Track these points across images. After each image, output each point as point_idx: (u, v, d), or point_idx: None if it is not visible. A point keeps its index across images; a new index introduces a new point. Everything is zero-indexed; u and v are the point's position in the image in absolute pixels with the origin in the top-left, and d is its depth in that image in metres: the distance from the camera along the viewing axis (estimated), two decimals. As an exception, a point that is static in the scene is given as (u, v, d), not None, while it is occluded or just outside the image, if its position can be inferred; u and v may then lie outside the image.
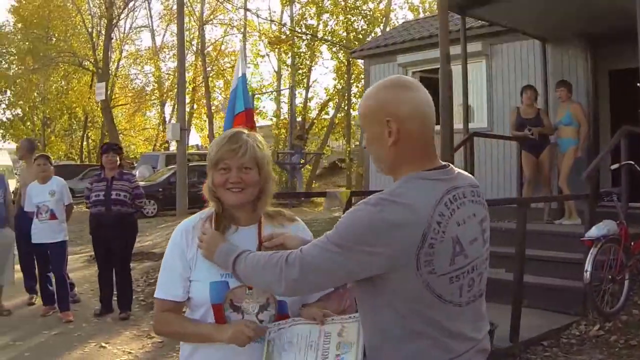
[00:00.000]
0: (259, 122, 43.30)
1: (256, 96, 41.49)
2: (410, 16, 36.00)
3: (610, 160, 10.58)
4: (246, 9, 38.96)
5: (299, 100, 39.14)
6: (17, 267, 10.60)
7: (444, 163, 2.58)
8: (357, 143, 34.26)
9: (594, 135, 12.13)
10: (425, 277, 2.37)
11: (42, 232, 9.67)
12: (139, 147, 50.37)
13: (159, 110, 50.58)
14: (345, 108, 36.18)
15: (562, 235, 9.88)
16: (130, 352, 8.11)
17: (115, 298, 10.09)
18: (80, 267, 13.76)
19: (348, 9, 34.98)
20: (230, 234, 2.94)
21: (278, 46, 36.61)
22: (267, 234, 2.96)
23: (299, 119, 37.54)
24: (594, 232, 8.07)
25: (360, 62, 34.69)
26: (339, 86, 36.89)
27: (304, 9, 36.32)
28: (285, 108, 39.80)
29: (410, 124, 2.48)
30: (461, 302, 2.49)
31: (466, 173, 2.66)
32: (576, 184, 10.65)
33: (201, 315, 2.88)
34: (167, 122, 46.32)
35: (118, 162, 9.66)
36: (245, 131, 2.99)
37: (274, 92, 40.27)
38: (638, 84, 11.88)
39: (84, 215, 11.74)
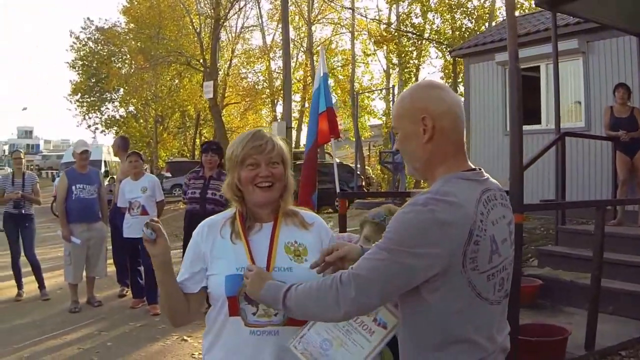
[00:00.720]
0: (370, 121, 43.43)
1: (365, 94, 41.63)
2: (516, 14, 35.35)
3: None
4: (353, 9, 39.02)
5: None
6: (110, 260, 11.01)
7: (474, 166, 2.63)
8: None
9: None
10: (469, 274, 2.42)
11: (133, 227, 10.00)
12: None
13: (270, 108, 51.16)
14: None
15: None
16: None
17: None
18: (177, 262, 14.08)
19: (452, 7, 34.67)
20: (255, 232, 3.04)
21: (384, 45, 36.55)
22: (286, 234, 3.04)
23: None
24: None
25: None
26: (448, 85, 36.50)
27: (409, 7, 36.16)
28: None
29: (444, 122, 2.55)
30: (493, 301, 2.54)
31: (492, 179, 2.69)
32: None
33: (219, 308, 2.97)
34: (278, 121, 46.85)
35: (218, 162, 9.83)
36: (265, 130, 3.08)
37: (382, 91, 40.19)
38: None
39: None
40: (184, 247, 10.26)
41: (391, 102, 37.41)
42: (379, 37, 36.73)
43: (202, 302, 3.11)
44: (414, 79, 38.20)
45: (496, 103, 16.81)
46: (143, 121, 50.67)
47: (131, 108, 51.40)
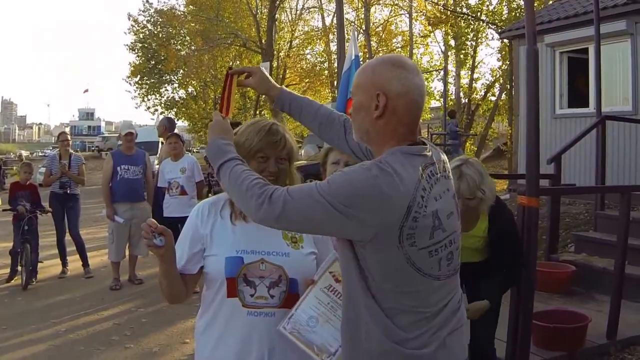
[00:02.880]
0: (431, 103, 43.20)
1: (424, 75, 41.44)
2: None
3: None
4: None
5: (465, 82, 38.85)
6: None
7: (421, 139, 2.69)
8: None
9: None
10: (407, 250, 2.47)
11: (173, 207, 10.26)
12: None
13: (330, 88, 51.20)
14: (509, 90, 35.50)
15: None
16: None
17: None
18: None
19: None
20: None
21: (438, 27, 36.35)
22: None
23: (465, 100, 37.27)
24: None
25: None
26: (504, 67, 36.20)
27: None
28: (452, 89, 39.45)
29: (398, 103, 2.59)
30: (440, 276, 2.60)
31: (436, 148, 2.75)
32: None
33: (217, 289, 3.06)
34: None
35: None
36: (278, 123, 3.19)
37: (441, 72, 39.94)
38: None
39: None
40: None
41: (449, 85, 37.30)
42: (434, 19, 36.47)
43: (197, 281, 3.18)
44: (471, 60, 37.93)
45: (545, 86, 16.57)
46: (202, 102, 51.13)
47: (190, 89, 51.83)
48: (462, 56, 37.29)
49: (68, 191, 11.19)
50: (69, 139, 12.00)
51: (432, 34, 40.73)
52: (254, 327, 2.99)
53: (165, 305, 9.28)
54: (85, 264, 11.40)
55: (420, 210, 2.47)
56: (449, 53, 39.78)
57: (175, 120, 43.58)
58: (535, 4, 31.35)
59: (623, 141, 13.32)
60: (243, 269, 2.99)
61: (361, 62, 9.94)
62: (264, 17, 39.42)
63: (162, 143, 18.09)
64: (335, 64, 44.77)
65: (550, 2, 26.34)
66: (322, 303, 2.91)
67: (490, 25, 34.88)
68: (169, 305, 9.18)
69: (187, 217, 8.88)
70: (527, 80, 7.06)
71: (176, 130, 11.45)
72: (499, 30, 24.00)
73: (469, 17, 35.05)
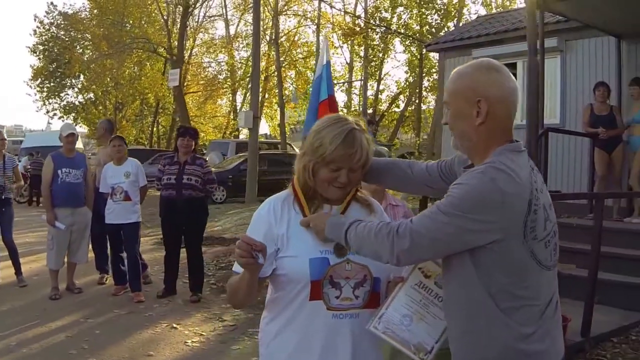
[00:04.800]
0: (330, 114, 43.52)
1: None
2: (483, 12, 35.96)
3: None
4: (320, 0, 38.96)
5: (370, 93, 39.21)
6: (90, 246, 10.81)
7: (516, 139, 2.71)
8: (425, 137, 34.23)
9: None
10: (530, 244, 2.50)
11: (116, 213, 9.88)
12: (208, 134, 50.77)
13: (230, 98, 51.02)
14: (416, 101, 36.06)
15: (633, 232, 9.72)
16: (201, 334, 8.21)
17: (186, 281, 10.31)
18: (151, 249, 13.99)
19: (422, 3, 34.92)
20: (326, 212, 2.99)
21: (352, 38, 36.59)
22: (354, 216, 2.91)
23: (370, 110, 37.59)
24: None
25: (432, 56, 34.73)
26: (410, 79, 36.78)
27: (378, 2, 36.36)
28: (356, 100, 39.80)
29: (499, 108, 2.60)
30: (550, 266, 2.63)
31: None
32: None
33: (297, 291, 2.88)
34: (238, 111, 46.84)
35: (193, 147, 9.79)
36: (357, 128, 2.90)
37: (346, 84, 40.19)
38: None
39: (154, 199, 11.90)
40: (164, 234, 10.17)
41: (357, 96, 37.58)
42: (347, 30, 36.72)
43: (263, 284, 3.00)
44: (378, 72, 38.33)
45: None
46: (102, 108, 50.15)
47: (91, 95, 50.73)
48: (370, 68, 37.62)
49: (2, 196, 10.61)
50: (5, 138, 11.38)
51: (337, 48, 40.95)
52: (338, 329, 2.87)
53: (115, 315, 9.01)
54: (18, 272, 10.81)
55: (537, 203, 2.53)
56: (354, 65, 40.12)
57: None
58: (459, 19, 32.20)
59: (556, 153, 13.58)
60: (329, 270, 2.85)
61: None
62: (172, 23, 38.99)
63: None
64: (239, 73, 44.74)
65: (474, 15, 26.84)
66: (414, 301, 2.82)
67: (407, 37, 35.34)
68: (118, 314, 8.98)
69: (131, 223, 8.64)
70: (527, 92, 7.12)
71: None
72: (426, 43, 24.28)
73: (385, 30, 35.41)
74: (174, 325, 8.50)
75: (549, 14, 14.33)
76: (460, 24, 34.97)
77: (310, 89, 10.87)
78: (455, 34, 19.41)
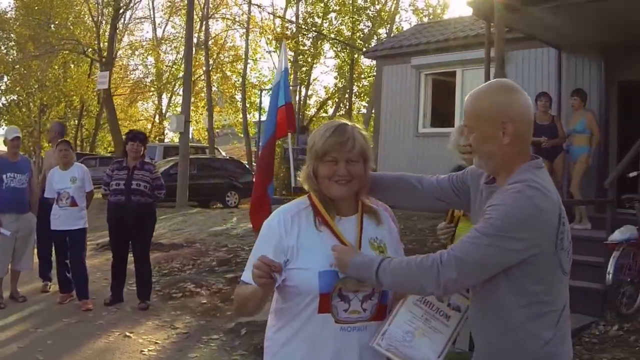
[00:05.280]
0: (257, 117, 43.28)
1: (254, 91, 41.50)
2: (414, 19, 36.41)
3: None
4: (250, 4, 38.84)
5: (298, 98, 39.23)
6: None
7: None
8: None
9: (603, 144, 12.27)
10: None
11: (62, 219, 9.67)
12: (133, 138, 50.05)
13: (156, 102, 50.50)
14: (347, 106, 36.24)
15: (579, 238, 9.90)
16: (156, 342, 8.11)
17: (131, 288, 10.16)
18: (89, 255, 13.69)
19: (356, 9, 35.15)
20: (337, 223, 2.97)
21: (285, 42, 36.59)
22: (368, 229, 2.99)
23: (300, 115, 37.61)
24: (617, 236, 8.34)
25: (362, 61, 34.98)
26: (339, 85, 36.95)
27: (311, 7, 36.40)
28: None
29: (522, 125, 2.76)
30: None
31: None
32: (586, 189, 11.21)
33: (305, 304, 2.88)
34: (164, 114, 46.45)
35: (142, 152, 9.68)
36: (349, 122, 2.99)
37: (268, 90, 40.02)
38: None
39: (94, 203, 11.66)
40: (112, 240, 10.00)
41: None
42: (279, 35, 36.71)
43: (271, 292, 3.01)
44: (307, 78, 38.36)
45: (408, 105, 17.14)
46: (26, 110, 49.01)
47: (14, 96, 49.54)
48: (300, 73, 37.64)
49: None
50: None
51: (269, 52, 40.86)
52: (346, 342, 2.88)
53: (64, 324, 8.83)
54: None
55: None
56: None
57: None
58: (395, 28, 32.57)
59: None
60: (339, 284, 2.84)
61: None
62: (104, 24, 38.48)
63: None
64: (166, 76, 44.34)
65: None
66: (416, 316, 2.85)
67: (341, 43, 35.46)
68: (68, 323, 8.84)
69: (77, 229, 8.47)
70: None
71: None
72: (365, 50, 24.45)
73: (318, 34, 35.46)
74: (127, 334, 8.37)
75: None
76: (393, 31, 35.49)
77: (270, 95, 10.90)
78: (395, 41, 19.63)
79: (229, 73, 43.45)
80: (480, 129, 2.79)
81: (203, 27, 38.67)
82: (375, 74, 35.36)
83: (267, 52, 41.11)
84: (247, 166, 31.85)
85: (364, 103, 38.95)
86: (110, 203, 9.69)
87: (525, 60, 14.65)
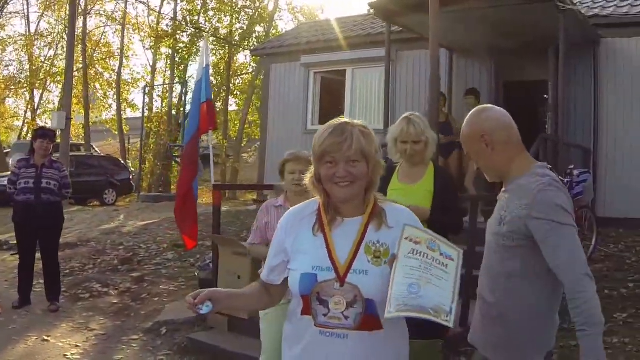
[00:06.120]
0: (127, 114, 42.70)
1: (126, 88, 40.87)
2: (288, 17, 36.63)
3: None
4: (127, 1, 38.30)
5: (173, 95, 38.87)
6: None
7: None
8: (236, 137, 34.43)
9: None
10: None
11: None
12: (1, 134, 48.45)
13: (27, 98, 48.89)
14: (222, 104, 36.11)
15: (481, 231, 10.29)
16: (77, 346, 8.00)
17: (39, 289, 9.93)
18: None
19: (236, 8, 35.14)
20: (336, 226, 2.97)
21: (165, 40, 36.09)
22: (370, 233, 2.95)
23: (174, 112, 37.24)
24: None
25: (238, 58, 34.99)
26: (215, 82, 36.76)
27: (190, 5, 36.12)
28: (159, 102, 39.26)
29: (499, 134, 3.41)
30: None
31: None
32: (480, 185, 11.49)
33: (297, 304, 3.01)
34: (36, 111, 45.17)
35: (50, 150, 9.49)
36: (349, 121, 2.94)
37: (166, 86, 39.39)
38: (546, 96, 12.71)
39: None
40: (19, 241, 9.72)
41: (160, 98, 37.08)
42: (161, 32, 36.26)
43: (284, 291, 3.17)
44: (184, 75, 38.07)
45: (297, 103, 17.33)
46: None
47: None
48: (179, 72, 37.34)
49: None
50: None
51: (148, 49, 40.24)
52: (324, 347, 2.90)
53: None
54: None
55: None
56: (158, 67, 39.65)
57: None
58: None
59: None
60: (316, 287, 2.89)
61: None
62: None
63: None
64: (41, 72, 43.09)
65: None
66: (414, 268, 2.74)
67: (221, 41, 35.29)
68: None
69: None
70: (430, 101, 7.62)
71: None
72: (251, 48, 24.46)
73: (202, 32, 35.18)
74: (45, 338, 8.21)
75: (379, 25, 15.10)
76: (272, 30, 35.68)
77: (192, 92, 10.95)
78: (283, 39, 19.75)
79: (101, 70, 42.56)
80: (472, 150, 3.50)
81: (81, 23, 37.74)
82: (252, 71, 35.83)
83: (146, 49, 40.46)
84: (124, 163, 31.48)
85: (238, 100, 38.96)
86: (19, 202, 9.45)
87: (415, 60, 15.11)
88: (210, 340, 7.93)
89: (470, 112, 3.54)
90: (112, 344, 8.09)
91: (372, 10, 13.10)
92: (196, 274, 10.02)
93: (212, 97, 10.14)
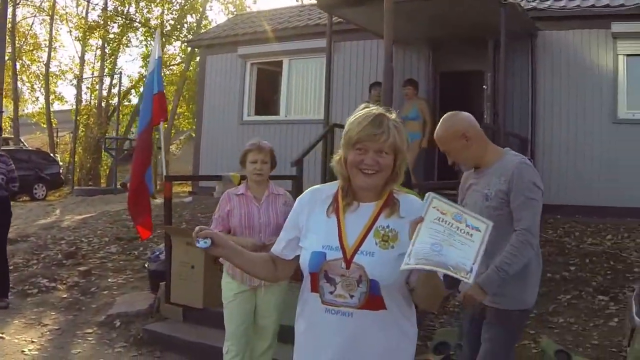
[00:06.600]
0: (55, 106, 41.99)
1: (53, 80, 40.20)
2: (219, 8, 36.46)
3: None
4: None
5: (102, 86, 38.39)
6: None
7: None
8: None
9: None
10: None
11: None
12: None
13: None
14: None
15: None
16: (33, 341, 8.00)
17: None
18: None
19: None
20: (351, 210, 3.05)
21: (96, 31, 35.58)
22: (382, 218, 3.01)
23: (103, 104, 36.80)
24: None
25: (168, 49, 34.76)
26: (146, 73, 36.38)
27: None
28: (88, 94, 38.66)
29: (472, 131, 4.49)
30: None
31: None
32: (419, 173, 12.17)
33: (306, 281, 3.09)
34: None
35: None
36: (385, 113, 2.99)
37: (96, 78, 38.80)
38: (484, 87, 13.02)
39: None
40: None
41: (89, 89, 36.56)
42: (93, 23, 35.75)
43: (294, 266, 3.24)
44: (112, 67, 37.62)
45: (234, 94, 17.40)
46: None
47: None
48: (109, 64, 36.91)
49: None
50: None
51: (78, 40, 39.56)
52: (330, 324, 2.97)
53: None
54: None
55: None
56: (86, 58, 39.11)
57: None
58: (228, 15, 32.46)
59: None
60: (324, 265, 2.97)
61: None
62: None
63: None
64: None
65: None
66: (438, 231, 2.74)
67: (147, 30, 34.99)
68: None
69: None
70: (384, 93, 7.87)
71: None
72: (187, 40, 24.35)
73: (133, 22, 34.85)
74: (1, 336, 8.18)
75: (316, 16, 15.27)
76: (203, 21, 35.57)
77: (145, 83, 10.97)
78: (219, 30, 19.72)
79: (28, 62, 41.74)
80: (453, 146, 4.49)
81: (9, 13, 37.02)
82: (181, 61, 35.61)
83: (76, 39, 39.69)
84: (53, 157, 31.03)
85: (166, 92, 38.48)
86: None
87: (353, 51, 15.37)
88: (166, 331, 8.04)
89: (443, 118, 4.55)
90: (68, 338, 8.11)
91: (314, 1, 13.22)
92: (146, 265, 10.05)
93: (163, 88, 10.12)
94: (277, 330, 5.95)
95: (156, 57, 10.03)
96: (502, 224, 4.14)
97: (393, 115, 3.01)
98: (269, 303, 5.85)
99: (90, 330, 8.38)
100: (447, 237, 2.73)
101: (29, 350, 7.69)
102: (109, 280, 10.43)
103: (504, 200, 4.31)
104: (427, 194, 2.88)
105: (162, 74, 33.04)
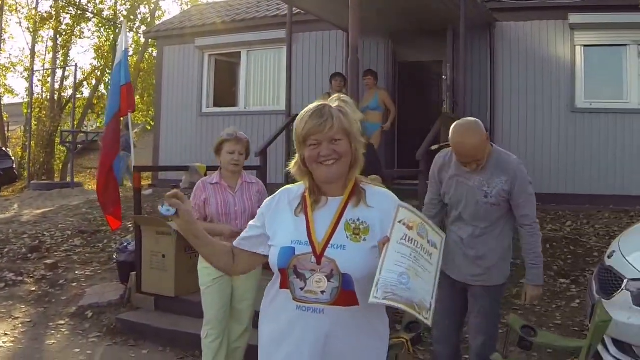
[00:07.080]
0: (4, 100, 41.44)
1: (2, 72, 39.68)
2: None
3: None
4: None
5: (55, 79, 37.95)
6: None
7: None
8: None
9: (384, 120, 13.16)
10: None
11: None
12: None
13: None
14: (105, 87, 35.43)
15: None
16: (6, 334, 8.07)
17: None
18: None
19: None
20: (320, 207, 3.03)
21: (47, 22, 35.12)
22: (351, 211, 3.00)
23: (56, 97, 36.39)
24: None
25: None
26: (98, 65, 36.14)
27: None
28: (40, 87, 38.16)
29: (485, 133, 5.01)
30: None
31: None
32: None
33: (275, 278, 3.07)
34: None
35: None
36: (327, 103, 2.98)
37: (23, 70, 38.37)
38: (444, 77, 13.27)
39: None
40: None
41: (40, 82, 36.15)
42: (45, 14, 35.27)
43: (252, 263, 3.25)
44: (65, 59, 37.16)
45: (191, 85, 17.42)
46: None
47: None
48: (62, 55, 36.48)
49: None
50: None
51: (28, 31, 39.04)
52: (300, 322, 2.95)
53: None
54: None
55: None
56: (38, 49, 38.63)
57: None
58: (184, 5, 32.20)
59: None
60: (293, 260, 2.94)
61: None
62: None
63: None
64: None
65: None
66: (405, 256, 2.72)
67: (107, 21, 34.71)
68: None
69: None
70: (351, 84, 8.07)
71: None
72: (145, 31, 24.21)
73: (86, 12, 34.51)
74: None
75: (274, 7, 15.41)
76: (157, 11, 35.42)
77: (111, 74, 11.00)
78: (176, 21, 19.66)
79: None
80: (484, 150, 4.95)
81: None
82: (135, 53, 35.34)
83: (28, 30, 39.11)
84: (6, 151, 30.65)
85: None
86: None
87: (312, 42, 15.50)
88: (139, 320, 8.16)
89: (465, 127, 4.95)
90: (41, 330, 8.17)
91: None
92: (114, 256, 10.11)
93: (130, 79, 10.15)
94: (253, 314, 6.06)
95: (123, 49, 10.06)
96: (496, 215, 5.11)
97: (336, 103, 3.00)
98: (246, 287, 5.99)
99: (62, 322, 8.44)
100: (413, 263, 2.73)
101: (4, 342, 7.75)
102: (77, 272, 10.43)
103: (504, 198, 5.04)
104: (395, 204, 2.89)
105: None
